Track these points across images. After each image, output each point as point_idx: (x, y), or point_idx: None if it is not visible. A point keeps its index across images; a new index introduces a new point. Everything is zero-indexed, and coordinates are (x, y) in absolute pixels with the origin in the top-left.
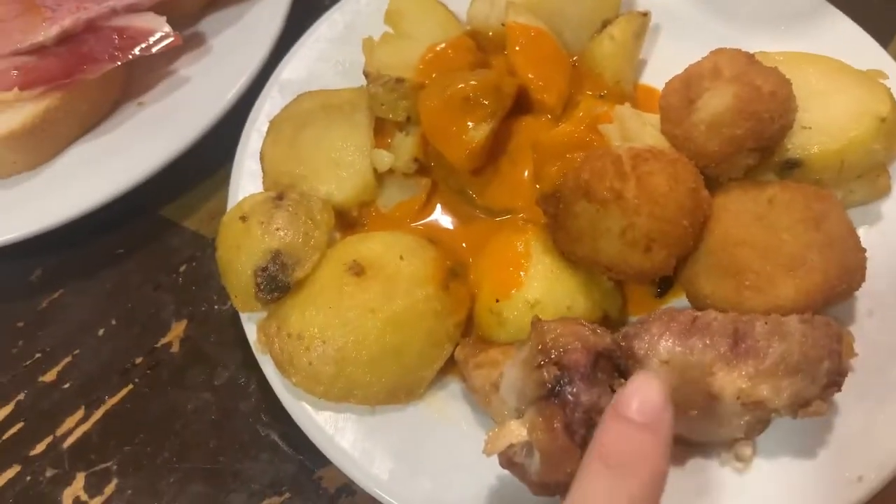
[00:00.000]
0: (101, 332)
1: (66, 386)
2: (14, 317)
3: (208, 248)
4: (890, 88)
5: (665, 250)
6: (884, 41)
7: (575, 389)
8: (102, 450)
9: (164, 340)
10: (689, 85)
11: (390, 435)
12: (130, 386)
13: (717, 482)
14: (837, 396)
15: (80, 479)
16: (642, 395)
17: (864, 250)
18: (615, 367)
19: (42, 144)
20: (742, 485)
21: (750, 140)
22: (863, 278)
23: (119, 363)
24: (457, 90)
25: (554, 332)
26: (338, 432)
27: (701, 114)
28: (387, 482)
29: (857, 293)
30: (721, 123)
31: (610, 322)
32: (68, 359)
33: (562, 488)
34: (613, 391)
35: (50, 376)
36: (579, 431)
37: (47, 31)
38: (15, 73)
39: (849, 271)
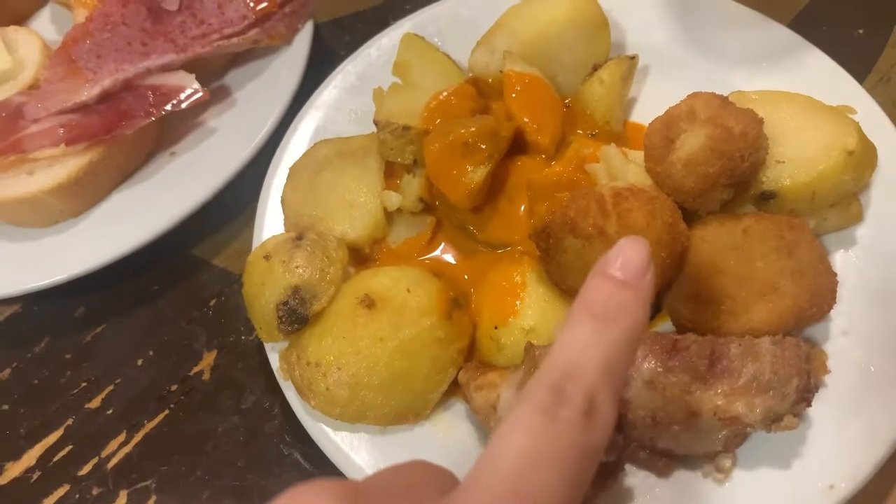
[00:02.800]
0: (139, 362)
1: (110, 412)
2: (62, 350)
3: (235, 283)
4: (859, 123)
5: None
6: (864, 71)
7: None
8: (142, 469)
9: (196, 369)
10: (668, 126)
11: (400, 452)
12: (166, 411)
13: (700, 492)
14: (812, 410)
15: (122, 497)
16: (625, 256)
17: (835, 275)
18: None
19: (85, 194)
20: (723, 494)
21: (723, 177)
22: (833, 301)
23: (156, 390)
24: (457, 136)
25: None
26: (353, 451)
27: (678, 153)
28: None
29: (832, 314)
30: (696, 162)
31: None
32: (111, 387)
33: None
34: None
35: (95, 403)
36: None
37: (90, 92)
38: (61, 130)
39: (819, 295)
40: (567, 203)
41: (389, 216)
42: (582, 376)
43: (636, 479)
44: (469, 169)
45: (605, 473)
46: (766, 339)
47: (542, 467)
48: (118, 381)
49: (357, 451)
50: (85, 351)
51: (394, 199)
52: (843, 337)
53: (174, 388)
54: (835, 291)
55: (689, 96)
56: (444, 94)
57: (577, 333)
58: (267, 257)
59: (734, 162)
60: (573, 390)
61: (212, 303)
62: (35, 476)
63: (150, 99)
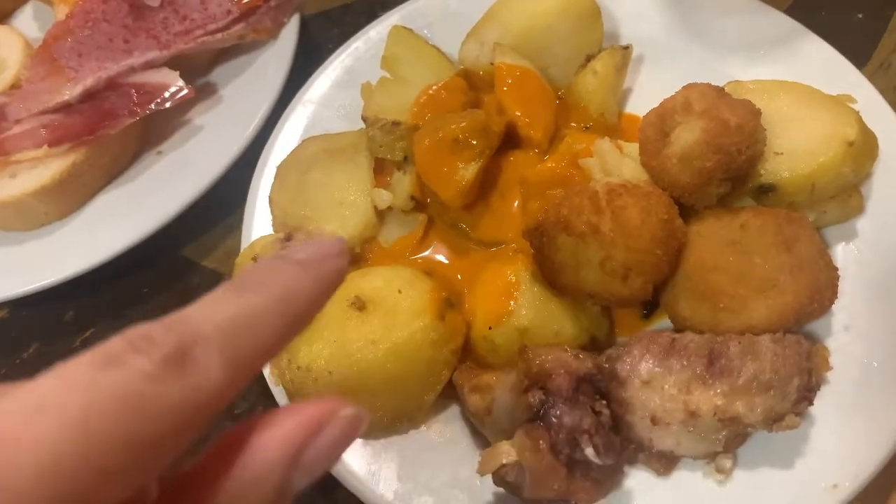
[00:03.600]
0: None
1: None
2: (51, 355)
3: None
4: (859, 112)
5: (641, 278)
6: (863, 59)
7: (558, 412)
8: None
9: None
10: (663, 119)
11: (395, 456)
12: None
13: (701, 493)
14: (814, 408)
15: None
16: (316, 243)
17: (836, 269)
18: (596, 389)
19: (70, 196)
20: (723, 495)
21: (719, 171)
22: (834, 296)
23: None
24: (447, 132)
25: (539, 358)
26: (347, 455)
27: (673, 147)
28: (392, 501)
29: (834, 309)
30: (692, 156)
31: (598, 344)
32: None
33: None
34: (594, 412)
35: None
36: (563, 451)
37: (72, 91)
38: (43, 131)
39: (819, 290)
40: (560, 200)
41: (380, 215)
42: (187, 329)
43: (636, 480)
44: (460, 166)
45: (604, 476)
46: (766, 336)
47: (31, 427)
48: None
49: (351, 456)
50: (75, 356)
51: (384, 198)
52: (844, 332)
53: None
54: (836, 286)
55: (684, 87)
56: (434, 88)
57: (209, 298)
58: (255, 259)
59: (731, 156)
60: (163, 339)
61: None
62: None
63: (134, 97)
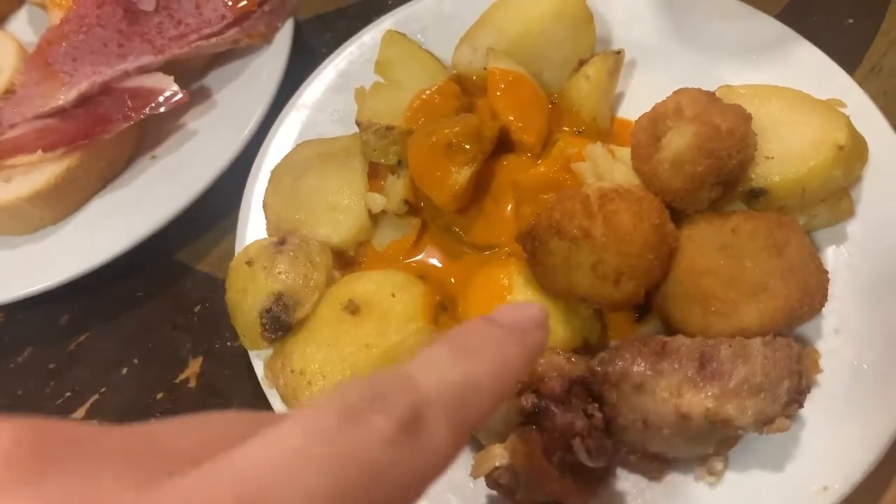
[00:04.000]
0: (124, 370)
1: (95, 422)
2: (46, 360)
3: (220, 289)
4: (849, 116)
5: (633, 282)
6: (853, 63)
7: (551, 415)
8: None
9: (182, 376)
10: (654, 123)
11: None
12: (153, 420)
13: (692, 495)
14: (804, 411)
15: None
16: (521, 309)
17: (826, 272)
18: (589, 392)
19: (65, 200)
20: (715, 497)
21: (710, 176)
22: (825, 299)
23: (142, 399)
24: (440, 137)
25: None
26: None
27: (665, 152)
28: None
29: (824, 312)
30: (683, 161)
31: (590, 347)
32: (96, 396)
33: None
34: (587, 415)
35: (80, 413)
36: (556, 454)
37: (66, 95)
38: (38, 135)
39: (810, 294)
40: (552, 205)
41: (374, 218)
42: (417, 389)
43: (627, 482)
44: (453, 170)
45: (596, 478)
46: (756, 340)
47: (295, 478)
48: (103, 389)
49: None
50: (69, 360)
51: (378, 201)
52: (835, 335)
53: (160, 396)
54: (826, 289)
55: (675, 92)
56: (428, 92)
57: (429, 357)
58: (249, 263)
59: (722, 160)
60: (399, 399)
61: (197, 309)
62: None
63: (129, 102)
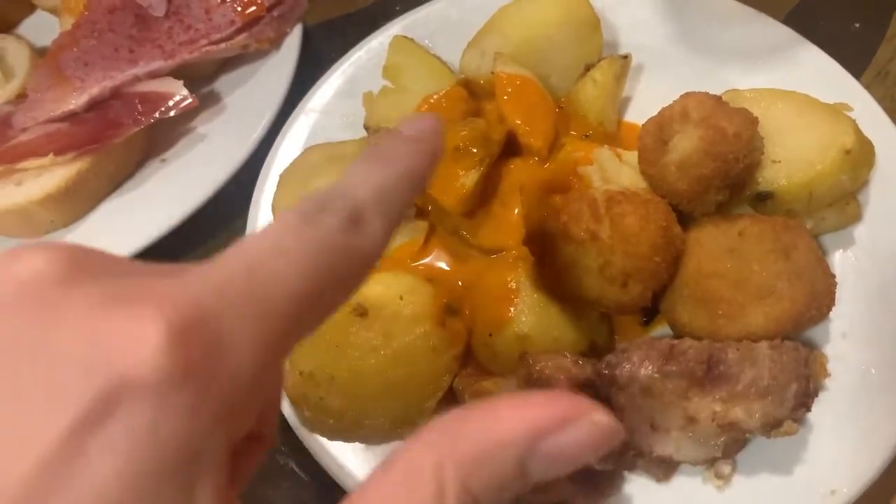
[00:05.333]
0: None
1: None
2: None
3: None
4: (856, 120)
5: (640, 285)
6: (860, 68)
7: None
8: None
9: None
10: (661, 127)
11: None
12: None
13: (699, 499)
14: (812, 415)
15: None
16: (419, 120)
17: (834, 276)
18: (596, 395)
19: (75, 204)
20: (722, 501)
21: (717, 179)
22: (832, 303)
23: None
24: (448, 140)
25: (539, 364)
26: (349, 461)
27: (672, 155)
28: None
29: (832, 316)
30: (689, 164)
31: (597, 350)
32: None
33: None
34: None
35: None
36: None
37: (77, 100)
38: (49, 139)
39: (817, 297)
40: (559, 207)
41: None
42: (351, 194)
43: (635, 486)
44: (461, 174)
45: (603, 481)
46: (764, 343)
47: (282, 257)
48: None
49: (353, 462)
50: None
51: None
52: (842, 339)
53: None
54: (833, 293)
55: (681, 96)
56: (435, 97)
57: (356, 170)
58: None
59: (728, 164)
60: (339, 203)
61: None
62: None
63: (139, 106)
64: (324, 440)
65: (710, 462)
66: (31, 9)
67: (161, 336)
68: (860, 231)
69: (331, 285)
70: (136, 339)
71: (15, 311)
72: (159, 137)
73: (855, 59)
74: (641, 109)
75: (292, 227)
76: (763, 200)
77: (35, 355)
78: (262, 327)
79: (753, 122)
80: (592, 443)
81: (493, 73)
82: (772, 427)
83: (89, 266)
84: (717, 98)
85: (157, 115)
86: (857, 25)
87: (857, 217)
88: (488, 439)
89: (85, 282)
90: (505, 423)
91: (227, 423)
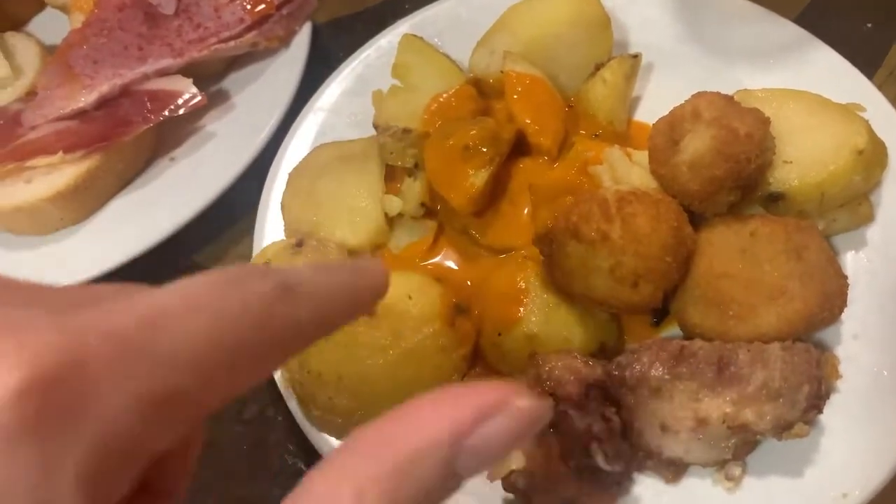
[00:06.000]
0: None
1: None
2: None
3: None
4: (868, 121)
5: (651, 285)
6: (873, 67)
7: (569, 419)
8: None
9: None
10: (672, 127)
11: None
12: None
13: (709, 501)
14: (823, 417)
15: None
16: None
17: (845, 277)
18: (606, 396)
19: (84, 201)
20: (732, 503)
21: (729, 180)
22: (844, 304)
23: None
24: (457, 140)
25: (549, 365)
26: None
27: (683, 155)
28: None
29: (843, 317)
30: (701, 164)
31: (607, 351)
32: None
33: None
34: (604, 419)
35: None
36: (573, 458)
37: (87, 98)
38: (59, 137)
39: (829, 298)
40: (570, 207)
41: (391, 221)
42: (285, 270)
43: (645, 487)
44: (470, 173)
45: (613, 483)
46: (775, 344)
47: (194, 314)
48: None
49: None
50: None
51: (395, 204)
52: (854, 341)
53: None
54: (845, 294)
55: (693, 96)
56: (445, 95)
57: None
58: (266, 264)
59: (740, 164)
60: (272, 273)
61: None
62: None
63: (148, 104)
64: (332, 439)
65: (721, 464)
66: (41, 6)
67: (14, 383)
68: (872, 232)
69: (250, 352)
70: None
71: None
72: (168, 135)
73: (867, 59)
74: (652, 109)
75: (215, 284)
76: (775, 201)
77: None
78: (145, 384)
79: (765, 122)
80: (518, 429)
81: (502, 71)
82: (783, 429)
83: None
84: (729, 98)
85: (166, 113)
86: (869, 25)
87: (869, 218)
88: (410, 447)
89: None
90: (426, 424)
91: (95, 481)
